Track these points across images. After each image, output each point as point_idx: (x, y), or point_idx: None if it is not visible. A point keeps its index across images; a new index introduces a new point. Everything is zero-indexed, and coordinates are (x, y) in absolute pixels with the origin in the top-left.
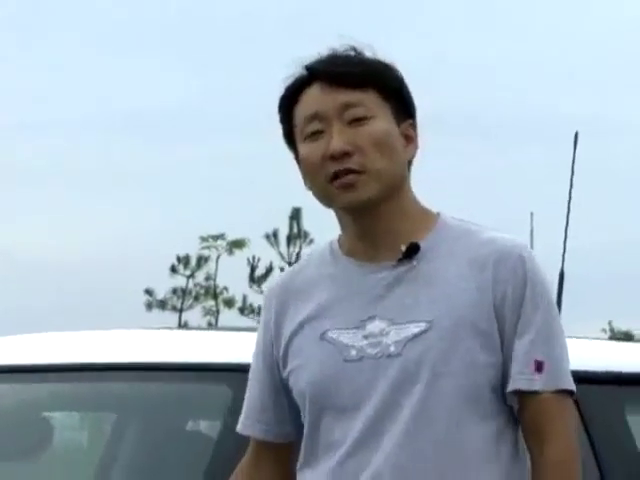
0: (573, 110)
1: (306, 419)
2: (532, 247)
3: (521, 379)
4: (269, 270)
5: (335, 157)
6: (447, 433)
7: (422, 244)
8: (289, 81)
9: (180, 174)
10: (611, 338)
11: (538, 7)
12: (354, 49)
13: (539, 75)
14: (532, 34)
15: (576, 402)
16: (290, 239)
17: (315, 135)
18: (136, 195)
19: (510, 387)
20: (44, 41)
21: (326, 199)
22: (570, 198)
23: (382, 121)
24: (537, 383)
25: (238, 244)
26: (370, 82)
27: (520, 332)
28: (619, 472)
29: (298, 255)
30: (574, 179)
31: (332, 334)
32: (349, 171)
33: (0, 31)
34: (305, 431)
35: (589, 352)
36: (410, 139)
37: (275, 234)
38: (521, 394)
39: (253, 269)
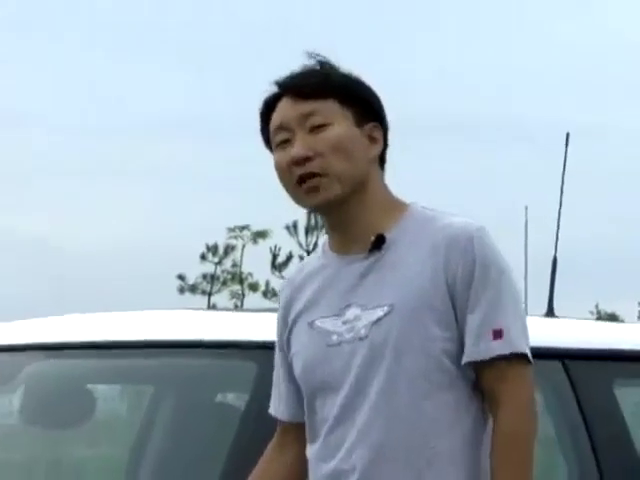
0: (564, 114)
1: (305, 400)
2: (526, 237)
3: (475, 350)
4: (289, 258)
5: (298, 162)
6: (410, 405)
7: (388, 235)
8: (264, 96)
9: (210, 170)
10: (598, 319)
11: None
12: (320, 64)
13: (531, 82)
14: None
15: (569, 377)
16: (308, 230)
17: (283, 144)
18: (169, 189)
19: (464, 359)
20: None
21: (296, 200)
22: (562, 193)
23: (340, 127)
24: (496, 349)
25: (261, 234)
26: (329, 92)
27: (471, 307)
28: (609, 441)
29: (315, 244)
30: (565, 176)
31: (318, 322)
32: (312, 174)
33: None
34: (305, 411)
35: (580, 331)
36: (374, 139)
37: (295, 225)
38: (478, 364)
39: (275, 257)
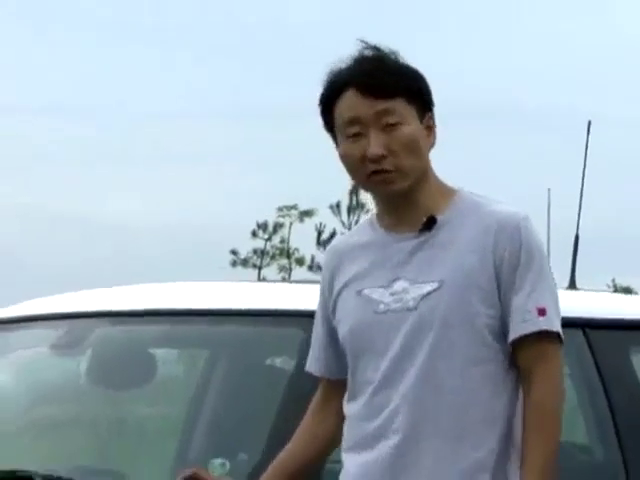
0: (584, 103)
1: (348, 361)
2: (549, 217)
3: (523, 326)
4: (332, 235)
5: (373, 160)
6: (453, 375)
7: (439, 217)
8: (328, 81)
9: (261, 153)
10: (615, 292)
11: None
12: (381, 53)
13: (557, 74)
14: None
15: (589, 344)
16: (350, 210)
17: (355, 137)
18: (224, 172)
19: (512, 335)
20: None
21: (365, 189)
22: (584, 177)
23: (410, 125)
24: (542, 324)
25: (308, 213)
26: (399, 91)
27: (517, 289)
28: (625, 403)
29: (357, 223)
30: (587, 161)
31: (366, 291)
32: (385, 170)
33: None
34: (348, 371)
35: (598, 303)
36: (430, 129)
37: (338, 205)
38: (518, 341)
39: (320, 234)
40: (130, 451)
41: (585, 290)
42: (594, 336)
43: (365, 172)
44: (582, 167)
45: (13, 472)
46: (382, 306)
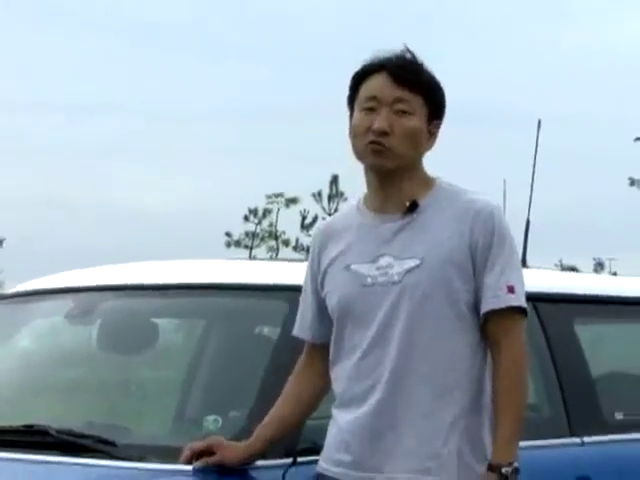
0: (535, 105)
1: (334, 328)
2: (505, 205)
3: (495, 301)
4: (315, 220)
5: (375, 132)
6: (432, 341)
7: (421, 202)
8: (367, 61)
9: (251, 147)
10: (561, 270)
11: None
12: (416, 58)
13: (516, 80)
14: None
15: (538, 315)
16: (330, 197)
17: (369, 110)
18: (219, 164)
19: (485, 308)
20: None
21: (359, 155)
22: (534, 169)
23: (418, 120)
24: (511, 301)
25: (293, 200)
26: (422, 89)
27: (489, 267)
28: (569, 366)
29: (336, 209)
30: (537, 156)
31: (354, 266)
32: (382, 144)
33: None
34: (332, 337)
35: (547, 279)
36: (432, 134)
37: (320, 194)
38: (489, 313)
39: (303, 219)
40: (134, 408)
41: (535, 268)
42: (542, 308)
43: (365, 140)
44: (533, 161)
45: (31, 426)
46: (369, 279)
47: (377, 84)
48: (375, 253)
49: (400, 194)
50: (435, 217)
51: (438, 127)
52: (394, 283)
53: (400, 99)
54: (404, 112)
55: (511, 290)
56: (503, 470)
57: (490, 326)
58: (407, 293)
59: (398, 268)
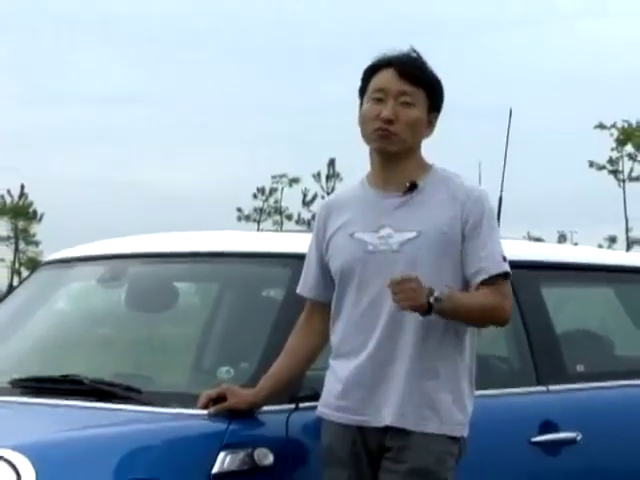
0: (507, 96)
1: (336, 288)
2: (480, 184)
3: (493, 267)
4: (314, 197)
5: (382, 120)
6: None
7: (419, 183)
8: (377, 57)
9: (260, 132)
10: (529, 241)
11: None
12: (421, 58)
13: (490, 75)
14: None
15: (510, 283)
16: (328, 177)
17: (377, 100)
18: (232, 148)
19: (484, 274)
20: None
21: (367, 139)
22: (506, 153)
23: (419, 111)
24: (505, 267)
25: (295, 180)
26: (423, 84)
27: (482, 242)
28: (536, 325)
29: (333, 188)
30: (509, 139)
31: (357, 234)
32: (387, 130)
33: None
34: (334, 296)
35: (516, 249)
36: (431, 124)
37: (319, 174)
38: (487, 278)
39: (304, 196)
40: (157, 360)
41: (506, 238)
42: (513, 274)
43: (373, 127)
44: (505, 146)
45: (66, 376)
46: (371, 247)
47: (385, 78)
48: (377, 224)
49: (401, 174)
50: (431, 197)
51: (436, 118)
52: (393, 251)
53: (405, 92)
54: (408, 104)
55: (504, 259)
56: (431, 299)
57: (487, 288)
58: (405, 261)
59: (397, 238)
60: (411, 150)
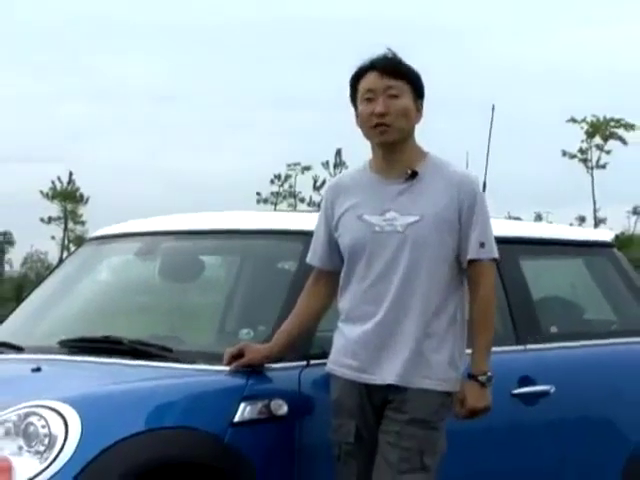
0: (487, 92)
1: (345, 262)
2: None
3: (482, 251)
4: (324, 183)
5: (377, 115)
6: (426, 276)
7: (419, 171)
8: (360, 65)
9: (278, 126)
10: (509, 219)
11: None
12: (397, 55)
13: (474, 72)
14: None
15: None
16: (335, 165)
17: (369, 100)
18: (253, 139)
19: (474, 255)
20: None
21: (368, 137)
22: (489, 144)
23: (406, 99)
24: (488, 253)
25: (307, 168)
26: (404, 77)
27: (474, 226)
28: (516, 294)
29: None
30: (492, 133)
31: (365, 216)
32: (384, 124)
33: None
34: (344, 269)
35: (498, 226)
36: (419, 110)
37: (327, 163)
38: (471, 260)
39: (315, 182)
40: (186, 324)
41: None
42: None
43: (371, 124)
44: (488, 137)
45: (108, 337)
46: (377, 228)
47: (371, 79)
48: (382, 208)
49: (401, 162)
50: (430, 184)
51: (422, 104)
52: (398, 232)
53: (390, 87)
54: (395, 96)
55: (484, 244)
56: (479, 378)
57: (471, 270)
58: (409, 241)
59: (401, 221)
60: (407, 137)
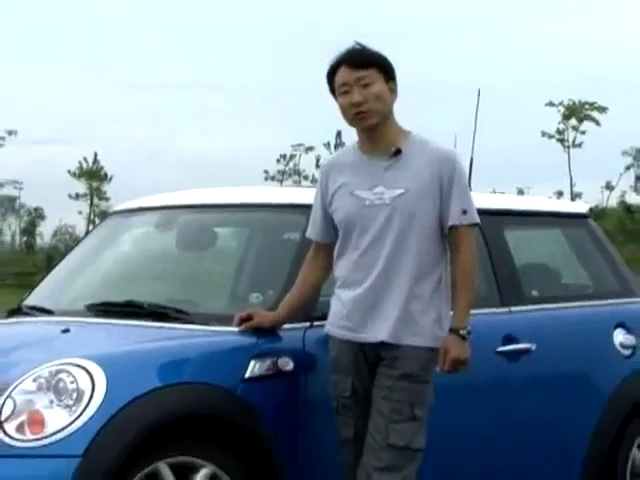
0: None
1: (340, 234)
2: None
3: (464, 217)
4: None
5: (355, 105)
6: (413, 243)
7: (402, 148)
8: (331, 62)
9: (285, 112)
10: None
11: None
12: (362, 46)
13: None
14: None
15: (480, 226)
16: (336, 146)
17: (345, 93)
18: (261, 122)
19: (453, 222)
20: None
21: (352, 124)
22: (475, 126)
23: (379, 85)
24: (468, 219)
25: (310, 148)
26: (372, 64)
27: (453, 196)
28: (501, 262)
29: None
30: (478, 116)
31: (356, 192)
32: (363, 112)
33: None
34: (339, 241)
35: (484, 200)
36: (393, 91)
37: (328, 143)
38: (452, 227)
39: (317, 161)
40: (202, 289)
41: (476, 192)
42: (482, 219)
43: (351, 113)
44: (474, 119)
45: (129, 301)
46: (368, 202)
47: (342, 74)
48: (371, 183)
49: (384, 142)
50: (413, 160)
51: (395, 84)
52: (386, 205)
53: (361, 77)
54: (367, 84)
55: (466, 212)
56: (461, 332)
57: (452, 235)
58: (396, 212)
59: (389, 194)
60: (387, 118)
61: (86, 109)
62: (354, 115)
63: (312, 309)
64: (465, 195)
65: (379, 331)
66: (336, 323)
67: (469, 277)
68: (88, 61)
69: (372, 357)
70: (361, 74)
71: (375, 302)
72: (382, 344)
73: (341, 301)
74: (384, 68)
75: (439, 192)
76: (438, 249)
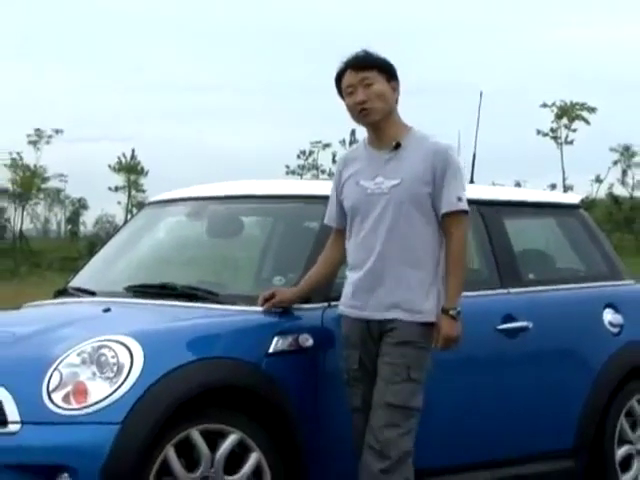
0: (476, 79)
1: (348, 220)
2: (459, 147)
3: (455, 204)
4: None
5: (359, 103)
6: (410, 228)
7: (402, 143)
8: (339, 67)
9: (304, 112)
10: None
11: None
12: (365, 51)
13: (463, 59)
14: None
15: (480, 214)
16: (351, 143)
17: (351, 94)
18: (282, 121)
19: (446, 209)
20: None
21: (358, 121)
22: (478, 124)
23: (380, 84)
24: (460, 206)
25: (327, 145)
26: (374, 67)
27: (446, 185)
28: (500, 248)
29: None
30: (480, 114)
31: (361, 182)
32: (366, 109)
33: None
34: (347, 225)
35: (486, 191)
36: (395, 89)
37: (343, 140)
38: (445, 214)
39: (334, 157)
40: (229, 272)
41: (478, 184)
42: (483, 209)
43: (357, 111)
44: (477, 119)
45: (164, 283)
46: (369, 190)
47: (348, 77)
48: (373, 174)
49: (387, 136)
50: (412, 153)
51: (397, 84)
52: (384, 193)
53: (364, 78)
54: (370, 84)
55: (459, 199)
56: (450, 312)
57: (445, 222)
58: (392, 200)
59: (387, 184)
60: (389, 115)
61: (124, 109)
62: (358, 112)
63: (330, 290)
64: (458, 184)
65: (381, 309)
66: (346, 303)
67: (460, 261)
68: (128, 66)
69: (376, 332)
70: (364, 75)
71: (375, 283)
72: (384, 320)
73: (349, 283)
74: (385, 69)
75: (432, 182)
76: (432, 235)
